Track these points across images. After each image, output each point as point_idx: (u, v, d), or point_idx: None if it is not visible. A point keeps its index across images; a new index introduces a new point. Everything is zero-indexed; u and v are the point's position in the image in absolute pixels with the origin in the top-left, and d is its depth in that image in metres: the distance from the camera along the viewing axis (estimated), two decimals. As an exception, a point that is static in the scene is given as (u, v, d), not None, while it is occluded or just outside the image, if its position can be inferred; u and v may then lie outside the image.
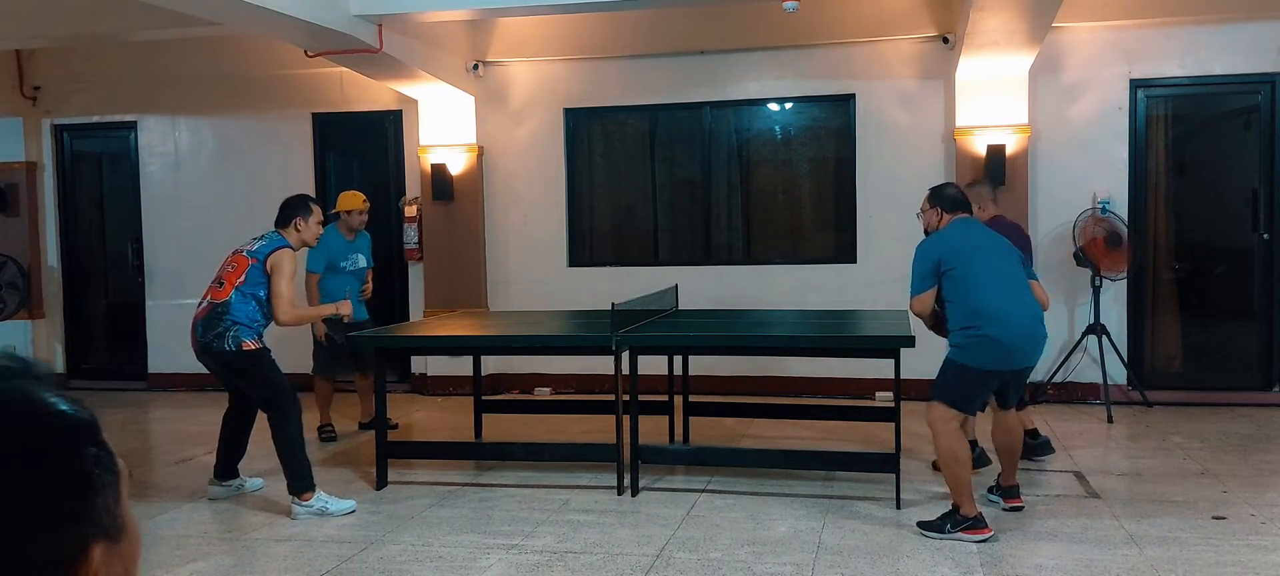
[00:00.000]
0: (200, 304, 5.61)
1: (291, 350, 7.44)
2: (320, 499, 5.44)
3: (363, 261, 7.57)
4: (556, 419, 7.53)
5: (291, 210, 5.77)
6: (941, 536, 4.84)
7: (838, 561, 4.55)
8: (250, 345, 5.47)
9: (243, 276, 5.51)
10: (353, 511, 5.45)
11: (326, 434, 7.43)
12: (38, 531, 0.79)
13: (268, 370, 5.55)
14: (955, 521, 4.85)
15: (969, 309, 4.93)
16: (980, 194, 6.17)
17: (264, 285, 5.53)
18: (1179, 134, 8.47)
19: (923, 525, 4.96)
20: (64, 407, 0.84)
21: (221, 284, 5.54)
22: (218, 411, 8.38)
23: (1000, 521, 5.09)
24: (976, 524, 4.83)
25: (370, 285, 7.68)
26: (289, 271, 5.56)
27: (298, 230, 5.71)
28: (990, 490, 5.44)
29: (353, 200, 7.47)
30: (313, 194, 5.94)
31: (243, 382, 5.68)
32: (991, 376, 4.97)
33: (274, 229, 5.74)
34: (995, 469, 5.59)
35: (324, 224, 6.01)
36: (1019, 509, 5.27)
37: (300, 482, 5.43)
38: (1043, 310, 5.11)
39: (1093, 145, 8.26)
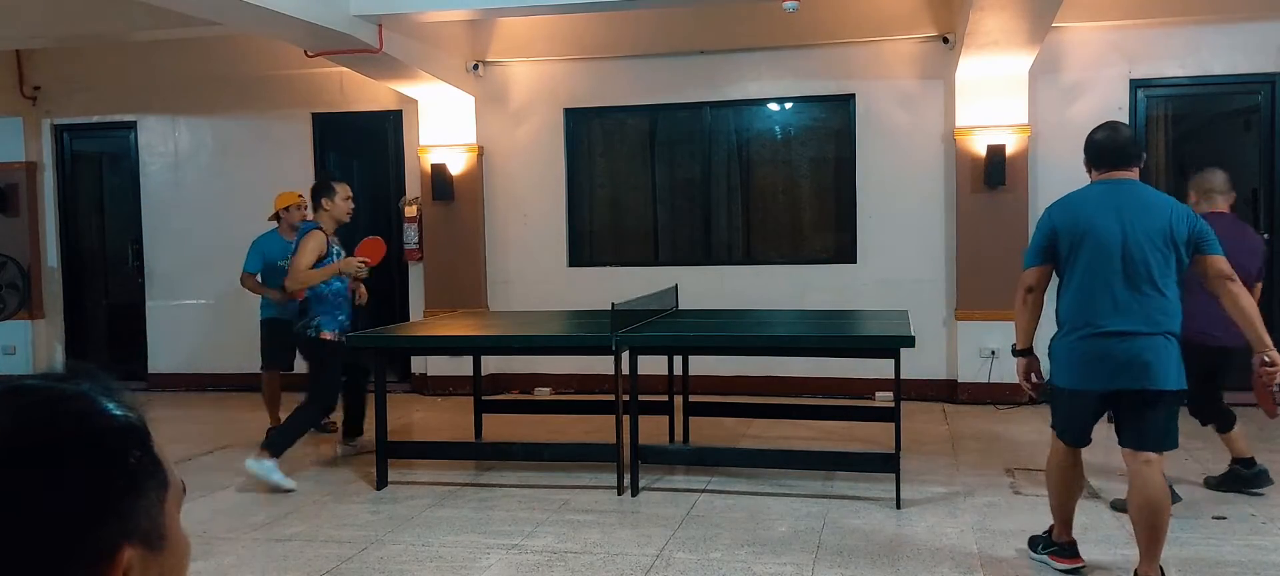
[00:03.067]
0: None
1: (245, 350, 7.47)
2: (271, 466, 5.90)
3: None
4: (556, 419, 7.53)
5: (316, 195, 6.40)
6: (1032, 555, 4.51)
7: (838, 561, 4.55)
8: (326, 336, 6.19)
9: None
10: (291, 491, 5.88)
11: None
12: (72, 521, 0.80)
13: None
14: (1046, 543, 4.47)
15: (1070, 306, 4.19)
16: (1211, 183, 5.45)
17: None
18: (1179, 134, 8.47)
19: (1031, 540, 4.59)
20: (115, 409, 0.87)
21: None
22: (217, 411, 8.43)
23: (998, 521, 5.09)
24: (1063, 552, 4.40)
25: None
26: (310, 248, 6.12)
27: (325, 210, 6.32)
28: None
29: (288, 198, 7.55)
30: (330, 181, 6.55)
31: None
32: (1089, 398, 4.20)
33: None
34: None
35: (342, 202, 6.39)
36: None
37: (275, 445, 6.04)
38: None
39: (1093, 145, 8.25)
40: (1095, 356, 4.01)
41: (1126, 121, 8.22)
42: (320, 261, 6.17)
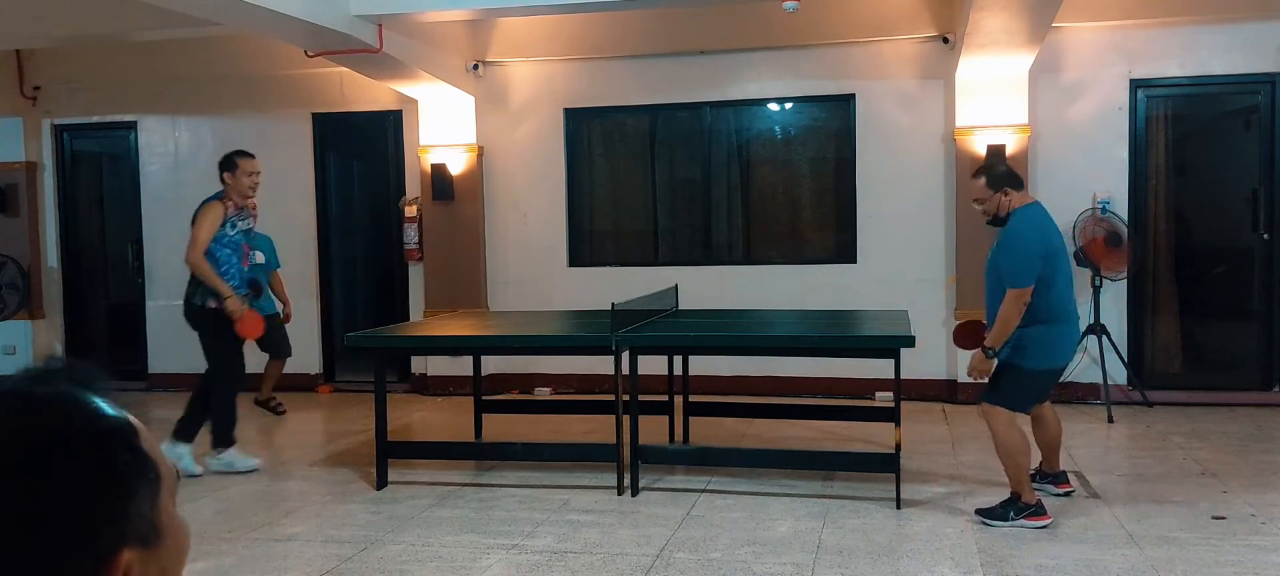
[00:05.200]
0: None
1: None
2: (232, 457, 6.33)
3: (260, 258, 7.55)
4: (556, 419, 7.53)
5: (220, 168, 6.47)
6: (1005, 524, 4.93)
7: (838, 561, 4.55)
8: (211, 304, 6.18)
9: None
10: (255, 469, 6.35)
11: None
12: (65, 532, 0.78)
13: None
14: (1018, 509, 4.95)
15: (1051, 304, 4.89)
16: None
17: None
18: (1179, 134, 8.46)
19: (983, 513, 5.03)
20: (100, 411, 0.85)
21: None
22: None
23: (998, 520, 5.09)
24: (1038, 510, 4.94)
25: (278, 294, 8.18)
26: (205, 218, 6.20)
27: (227, 184, 6.32)
28: (1036, 479, 5.38)
29: None
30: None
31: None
32: (1059, 372, 5.20)
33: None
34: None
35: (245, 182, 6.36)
36: (1070, 493, 5.48)
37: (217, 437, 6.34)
38: None
39: (1093, 145, 8.26)
40: (1072, 337, 5.17)
41: (1127, 121, 8.25)
42: (220, 235, 6.23)
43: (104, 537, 0.80)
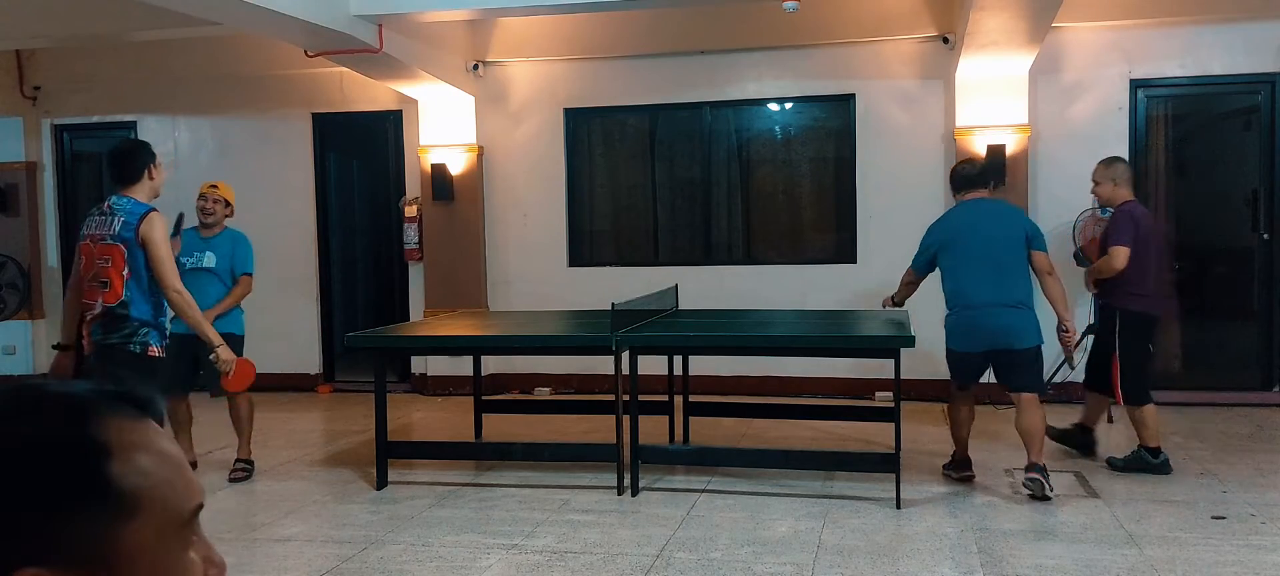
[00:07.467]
0: (93, 308, 4.83)
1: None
2: None
3: (211, 260, 6.25)
4: (556, 419, 7.53)
5: (137, 159, 4.86)
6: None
7: (838, 561, 4.55)
8: (155, 351, 4.81)
9: (126, 267, 4.76)
10: None
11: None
12: None
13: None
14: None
15: (951, 292, 5.69)
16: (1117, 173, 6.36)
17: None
18: (1179, 134, 8.47)
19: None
20: (52, 423, 0.80)
21: (107, 284, 4.77)
22: (216, 412, 8.25)
23: (998, 521, 5.09)
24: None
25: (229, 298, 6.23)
26: (164, 233, 4.83)
27: (152, 178, 4.87)
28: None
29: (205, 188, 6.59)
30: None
31: None
32: (965, 358, 5.67)
33: (119, 192, 4.83)
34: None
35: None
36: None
37: None
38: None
39: (1093, 145, 8.23)
40: (970, 325, 5.54)
41: (1127, 121, 8.25)
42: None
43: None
